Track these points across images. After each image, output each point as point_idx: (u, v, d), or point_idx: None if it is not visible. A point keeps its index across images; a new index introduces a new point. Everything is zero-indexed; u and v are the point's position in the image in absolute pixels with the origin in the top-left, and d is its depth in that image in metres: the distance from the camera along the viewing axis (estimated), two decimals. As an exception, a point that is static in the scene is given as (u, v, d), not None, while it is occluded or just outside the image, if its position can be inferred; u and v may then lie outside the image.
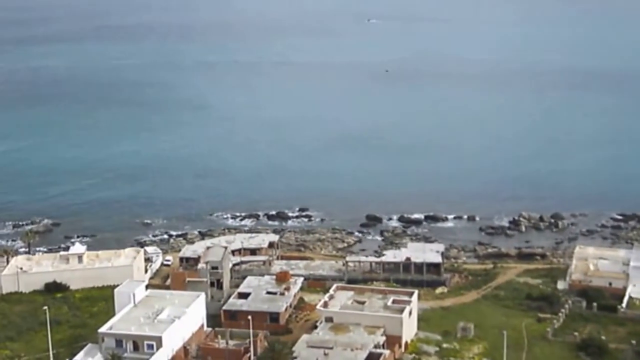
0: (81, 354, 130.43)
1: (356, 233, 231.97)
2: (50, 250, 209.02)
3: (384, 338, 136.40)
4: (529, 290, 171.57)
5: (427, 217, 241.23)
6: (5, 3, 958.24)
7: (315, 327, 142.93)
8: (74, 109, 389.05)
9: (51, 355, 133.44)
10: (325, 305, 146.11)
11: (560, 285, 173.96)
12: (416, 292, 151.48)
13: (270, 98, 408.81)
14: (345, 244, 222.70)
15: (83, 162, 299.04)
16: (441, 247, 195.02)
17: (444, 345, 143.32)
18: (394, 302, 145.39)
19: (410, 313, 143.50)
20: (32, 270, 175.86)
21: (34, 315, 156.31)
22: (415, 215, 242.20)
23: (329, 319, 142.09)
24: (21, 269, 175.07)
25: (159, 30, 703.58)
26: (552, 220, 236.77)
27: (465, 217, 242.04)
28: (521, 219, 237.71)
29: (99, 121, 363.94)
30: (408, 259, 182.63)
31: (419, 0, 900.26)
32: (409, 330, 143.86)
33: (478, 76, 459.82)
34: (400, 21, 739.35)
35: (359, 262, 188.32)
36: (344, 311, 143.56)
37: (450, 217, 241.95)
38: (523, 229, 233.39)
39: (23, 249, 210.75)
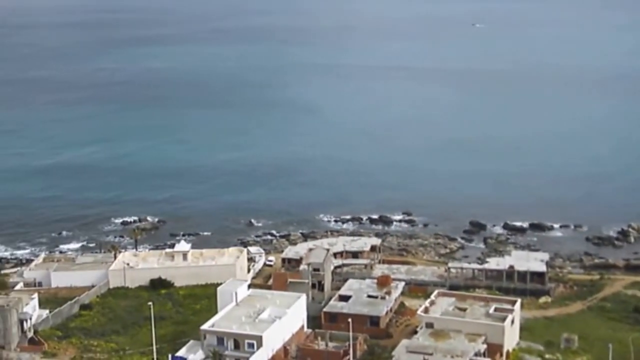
0: (183, 350, 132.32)
1: (459, 239, 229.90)
2: (156, 248, 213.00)
3: (485, 346, 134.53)
4: (637, 303, 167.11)
5: (532, 225, 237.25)
6: (122, 5, 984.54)
7: (416, 332, 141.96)
8: (187, 111, 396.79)
9: (154, 349, 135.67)
10: (426, 310, 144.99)
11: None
12: (519, 300, 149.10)
13: (379, 102, 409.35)
14: (448, 250, 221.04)
15: (192, 162, 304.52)
16: (546, 256, 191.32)
17: (547, 356, 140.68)
18: (496, 310, 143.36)
19: (512, 322, 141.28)
20: (138, 266, 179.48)
21: (139, 310, 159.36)
22: (520, 223, 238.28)
23: (429, 325, 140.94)
24: (128, 264, 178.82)
25: (276, 33, 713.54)
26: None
27: (572, 226, 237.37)
28: (630, 229, 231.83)
29: (211, 123, 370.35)
30: (511, 267, 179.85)
31: (525, 6, 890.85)
32: (511, 339, 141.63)
33: (582, 81, 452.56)
34: (505, 26, 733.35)
35: (462, 268, 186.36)
36: (445, 317, 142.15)
37: (556, 225, 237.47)
38: (632, 239, 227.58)
39: (131, 246, 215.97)
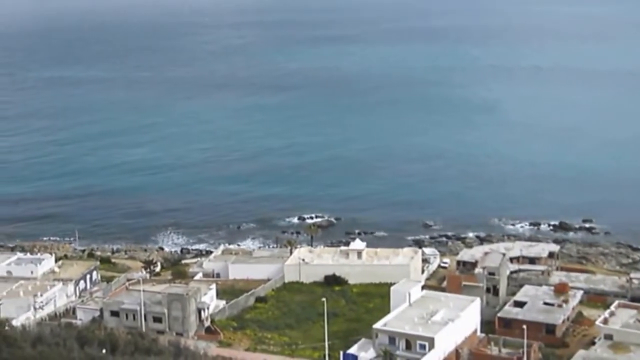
0: (355, 347, 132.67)
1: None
2: (331, 245, 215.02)
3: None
4: None
5: None
6: (298, 6, 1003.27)
7: (593, 343, 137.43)
8: (365, 108, 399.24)
9: (326, 345, 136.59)
10: (605, 321, 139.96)
11: None
12: None
13: (557, 103, 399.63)
14: (630, 260, 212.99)
15: (369, 162, 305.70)
16: None
17: None
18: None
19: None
20: (313, 262, 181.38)
21: (313, 305, 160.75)
22: None
23: (608, 337, 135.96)
24: (303, 260, 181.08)
25: (454, 33, 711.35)
26: None
27: None
28: None
29: (388, 122, 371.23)
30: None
31: None
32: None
33: None
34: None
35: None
36: (626, 330, 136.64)
37: None
38: None
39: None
